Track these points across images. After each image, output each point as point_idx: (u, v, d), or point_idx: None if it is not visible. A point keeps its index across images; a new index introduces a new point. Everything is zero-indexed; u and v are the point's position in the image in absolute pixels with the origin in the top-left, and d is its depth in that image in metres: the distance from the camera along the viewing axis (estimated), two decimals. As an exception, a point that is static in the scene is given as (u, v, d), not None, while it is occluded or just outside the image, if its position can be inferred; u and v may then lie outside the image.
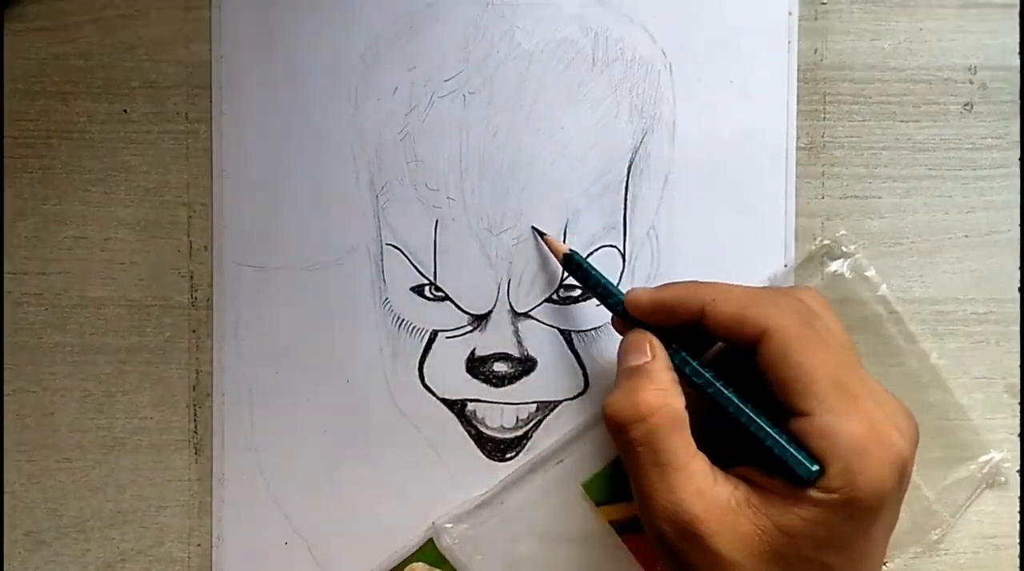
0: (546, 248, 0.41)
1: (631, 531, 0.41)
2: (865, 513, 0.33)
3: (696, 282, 0.37)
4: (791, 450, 0.33)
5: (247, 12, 0.42)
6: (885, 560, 0.41)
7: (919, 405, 0.41)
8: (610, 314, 0.40)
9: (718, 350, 0.38)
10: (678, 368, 0.36)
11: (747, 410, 0.35)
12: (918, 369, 0.42)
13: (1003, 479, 0.42)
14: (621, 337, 0.38)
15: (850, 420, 0.33)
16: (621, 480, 0.41)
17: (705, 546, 0.33)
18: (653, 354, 0.36)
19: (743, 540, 0.33)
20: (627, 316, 0.38)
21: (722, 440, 0.36)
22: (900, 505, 0.35)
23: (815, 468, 0.33)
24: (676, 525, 0.34)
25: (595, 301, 0.42)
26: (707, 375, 0.36)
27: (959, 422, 0.42)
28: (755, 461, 0.35)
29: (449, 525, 0.41)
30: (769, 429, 0.34)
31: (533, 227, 0.41)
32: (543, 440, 0.42)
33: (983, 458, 0.42)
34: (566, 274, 0.41)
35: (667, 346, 0.37)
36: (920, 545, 0.42)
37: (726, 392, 0.35)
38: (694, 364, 0.36)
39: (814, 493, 0.33)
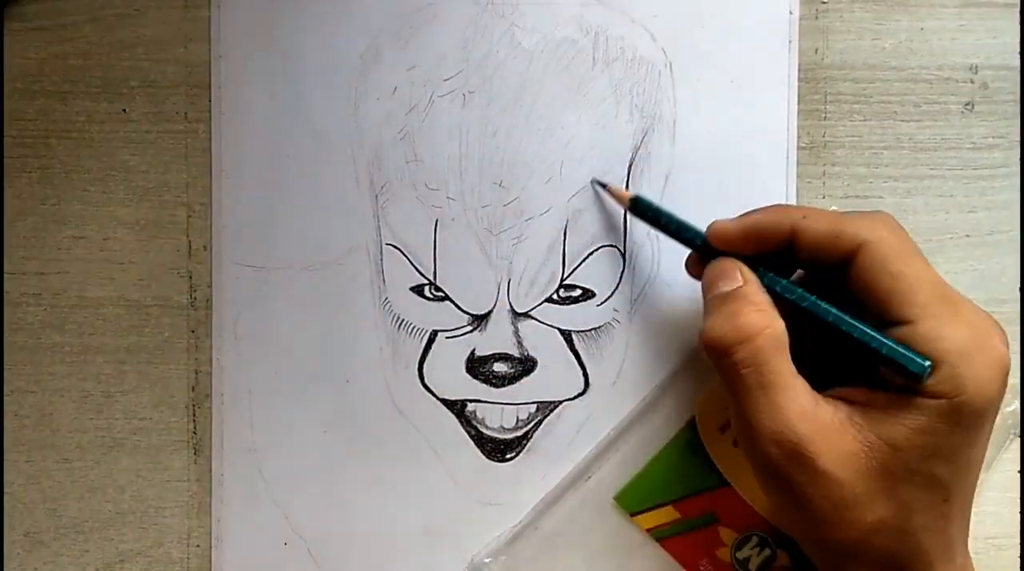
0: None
1: (670, 536, 0.41)
2: (972, 419, 0.32)
3: (779, 205, 0.38)
4: (900, 349, 0.33)
5: (246, 11, 0.42)
6: None
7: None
8: (609, 315, 0.40)
9: (797, 279, 0.38)
10: (769, 291, 0.36)
11: (848, 318, 0.34)
12: None
13: None
14: (694, 276, 0.38)
15: (953, 325, 0.33)
16: (653, 487, 0.41)
17: (813, 466, 0.33)
18: (744, 278, 0.36)
19: (849, 458, 0.33)
20: (707, 250, 0.37)
21: (814, 365, 0.35)
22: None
23: (927, 364, 0.32)
24: (783, 447, 0.33)
25: (595, 301, 0.41)
26: (799, 290, 0.36)
27: None
28: (852, 380, 0.35)
29: (488, 559, 0.41)
30: (874, 333, 0.34)
31: (594, 179, 0.41)
32: (543, 440, 0.42)
33: (1008, 408, 0.41)
34: (566, 273, 0.41)
35: (753, 270, 0.36)
36: None
37: (823, 304, 0.35)
38: (784, 282, 0.36)
39: (921, 400, 0.33)
